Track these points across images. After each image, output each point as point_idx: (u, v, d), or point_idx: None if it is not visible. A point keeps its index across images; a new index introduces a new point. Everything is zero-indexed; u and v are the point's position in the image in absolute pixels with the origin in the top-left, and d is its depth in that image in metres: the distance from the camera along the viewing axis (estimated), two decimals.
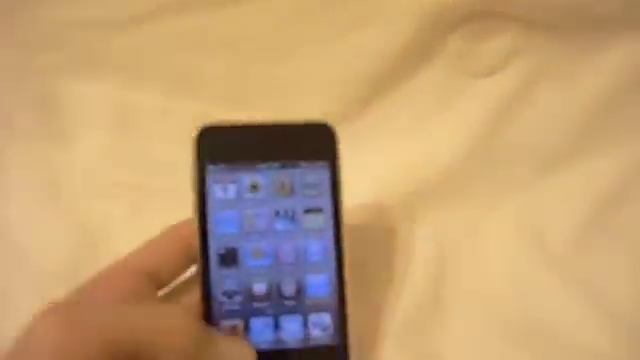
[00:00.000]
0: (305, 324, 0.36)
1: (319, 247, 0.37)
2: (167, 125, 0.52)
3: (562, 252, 0.49)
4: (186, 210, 0.42)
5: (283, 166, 0.37)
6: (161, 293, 0.37)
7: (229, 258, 0.36)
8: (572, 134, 0.51)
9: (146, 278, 0.35)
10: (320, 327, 0.36)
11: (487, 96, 0.51)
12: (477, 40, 0.50)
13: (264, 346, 0.35)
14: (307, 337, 0.36)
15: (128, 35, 0.51)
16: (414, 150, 0.52)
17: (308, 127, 0.38)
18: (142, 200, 0.50)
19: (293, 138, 0.38)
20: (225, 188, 0.36)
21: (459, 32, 0.50)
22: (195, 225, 0.36)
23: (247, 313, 0.36)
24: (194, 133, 0.37)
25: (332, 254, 0.37)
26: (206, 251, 0.35)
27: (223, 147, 0.37)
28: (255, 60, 0.51)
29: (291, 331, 0.36)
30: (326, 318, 0.36)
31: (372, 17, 0.49)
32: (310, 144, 0.38)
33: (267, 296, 0.36)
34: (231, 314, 0.35)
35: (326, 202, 0.37)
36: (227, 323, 0.35)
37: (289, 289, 0.36)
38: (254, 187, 0.37)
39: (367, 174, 0.51)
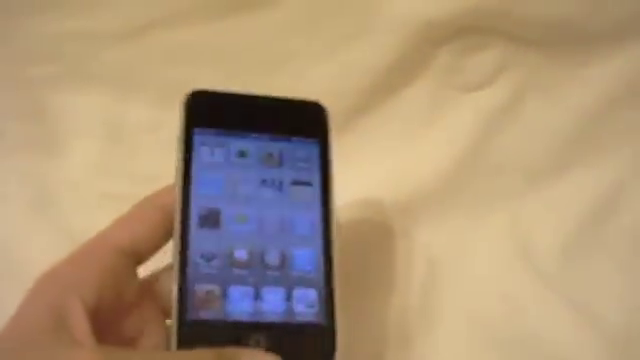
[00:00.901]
0: (288, 298, 0.33)
1: (306, 220, 0.35)
2: (157, 138, 0.52)
3: (550, 264, 0.49)
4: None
5: (272, 138, 0.36)
6: (142, 271, 0.35)
7: (210, 219, 0.34)
8: (559, 147, 0.52)
9: (123, 255, 0.34)
10: (305, 303, 0.33)
11: (475, 110, 0.52)
12: (465, 55, 0.51)
13: (242, 317, 0.32)
14: (290, 312, 0.33)
15: (120, 48, 0.51)
16: (403, 163, 0.52)
17: (300, 104, 0.38)
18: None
19: (284, 113, 0.37)
20: (211, 151, 0.35)
21: (448, 47, 0.51)
22: (176, 185, 0.34)
23: (225, 279, 0.33)
24: (184, 95, 0.36)
25: (320, 229, 0.35)
26: (186, 210, 0.33)
27: (213, 112, 0.36)
28: (244, 74, 0.51)
29: (273, 303, 0.33)
30: (312, 294, 0.34)
31: (362, 32, 0.50)
32: (301, 121, 0.37)
33: (248, 263, 0.33)
34: (208, 278, 0.33)
35: (315, 177, 0.36)
36: (202, 287, 0.32)
37: (272, 259, 0.34)
38: (241, 153, 0.36)
39: (356, 187, 0.50)
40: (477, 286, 0.48)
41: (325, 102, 0.42)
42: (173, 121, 0.50)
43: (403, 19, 0.49)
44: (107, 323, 0.32)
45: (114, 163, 0.52)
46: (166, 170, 0.48)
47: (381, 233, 0.50)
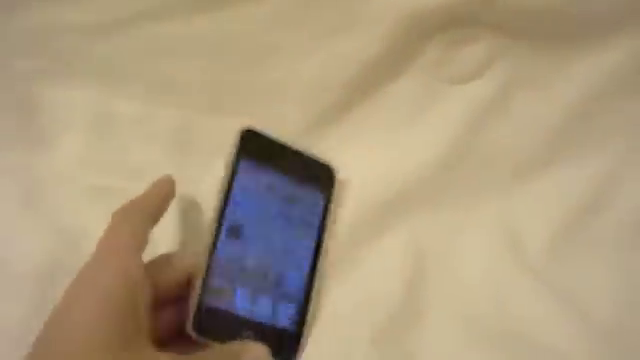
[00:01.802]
0: (274, 308, 0.42)
1: (302, 250, 0.44)
2: (146, 131, 0.52)
3: (538, 258, 0.49)
4: (164, 216, 0.44)
5: (295, 182, 0.46)
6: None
7: (236, 232, 0.42)
8: (548, 140, 0.52)
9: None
10: (286, 314, 0.42)
11: (464, 103, 0.52)
12: (454, 47, 0.51)
13: (242, 312, 0.41)
14: (274, 318, 0.42)
15: (109, 40, 0.51)
16: (390, 156, 0.52)
17: (319, 161, 0.48)
18: (117, 204, 0.47)
19: (307, 165, 0.47)
20: (249, 179, 0.44)
21: (436, 39, 0.51)
22: (218, 200, 0.42)
23: (234, 282, 0.41)
24: (240, 129, 0.44)
25: (310, 260, 0.44)
26: (221, 221, 0.42)
27: (258, 149, 0.45)
28: (234, 66, 0.51)
29: (263, 309, 0.42)
30: (292, 308, 0.43)
31: (350, 24, 0.50)
32: (317, 174, 0.47)
33: (253, 273, 0.42)
34: (223, 278, 0.41)
35: (316, 220, 0.46)
36: (217, 284, 0.41)
37: (271, 275, 0.43)
38: (270, 187, 0.45)
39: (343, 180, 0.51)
40: (465, 279, 0.48)
41: (311, 95, 0.50)
42: (160, 114, 0.52)
43: (391, 11, 0.48)
44: None
45: (102, 156, 0.52)
46: (153, 163, 0.51)
47: (367, 227, 0.50)
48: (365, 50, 0.50)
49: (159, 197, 0.42)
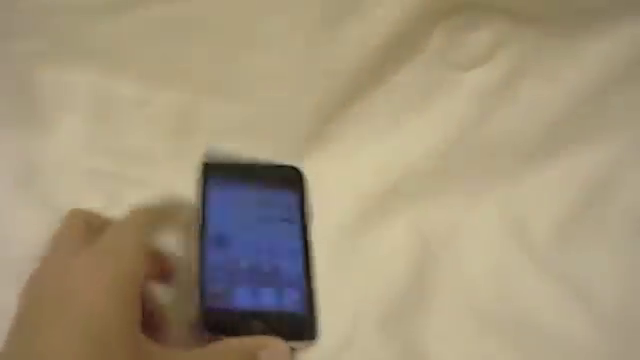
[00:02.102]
0: (280, 296, 0.43)
1: (291, 243, 0.46)
2: (147, 114, 0.51)
3: (545, 245, 0.49)
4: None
5: (266, 190, 0.49)
6: None
7: (221, 241, 0.45)
8: (555, 127, 0.51)
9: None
10: (292, 299, 0.43)
11: (470, 89, 0.51)
12: (460, 34, 0.50)
13: (245, 308, 0.42)
14: (281, 306, 0.43)
15: (110, 22, 0.50)
16: (395, 142, 0.52)
17: (284, 167, 0.51)
18: (119, 190, 0.49)
19: (273, 173, 0.50)
20: (221, 199, 0.48)
21: (443, 25, 0.50)
22: (197, 221, 0.46)
23: (232, 283, 0.43)
24: (201, 161, 0.48)
25: (301, 249, 0.46)
26: (204, 235, 0.45)
27: (221, 173, 0.49)
28: (232, 51, 0.50)
29: (268, 299, 0.43)
30: (297, 293, 0.43)
31: (354, 9, 0.49)
32: (284, 178, 0.50)
33: (249, 273, 0.44)
34: (220, 282, 0.43)
35: (297, 217, 0.48)
36: (215, 288, 0.43)
37: (266, 269, 0.44)
38: (244, 199, 0.48)
39: (349, 166, 0.51)
40: (470, 266, 0.48)
41: (315, 81, 0.50)
42: (161, 97, 0.51)
43: None
44: None
45: (100, 140, 0.51)
46: (155, 147, 0.51)
47: (371, 213, 0.50)
48: (371, 35, 0.49)
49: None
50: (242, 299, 0.43)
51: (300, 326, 0.42)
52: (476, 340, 0.45)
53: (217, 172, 0.49)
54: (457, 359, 0.44)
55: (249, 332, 0.41)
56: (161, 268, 0.43)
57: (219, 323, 0.41)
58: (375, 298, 0.46)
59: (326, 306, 0.44)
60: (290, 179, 0.50)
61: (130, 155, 0.51)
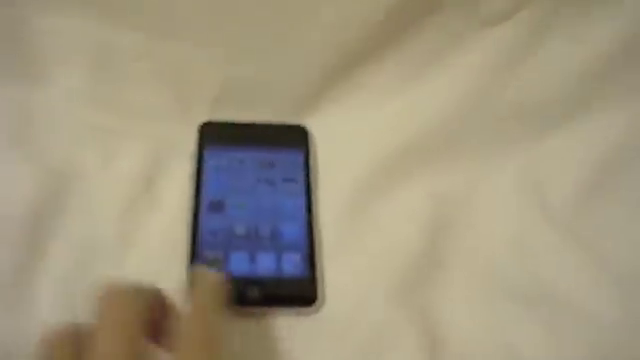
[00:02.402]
0: (278, 260, 0.43)
1: (293, 205, 0.46)
2: (147, 67, 0.49)
3: (562, 211, 0.47)
4: (162, 158, 0.47)
5: (267, 150, 0.48)
6: None
7: (216, 206, 0.45)
8: (577, 88, 0.49)
9: None
10: (291, 263, 0.43)
11: (489, 47, 0.49)
12: None
13: (241, 274, 0.42)
14: (279, 270, 0.43)
15: None
16: (412, 101, 0.50)
17: (287, 127, 0.50)
18: (118, 146, 0.47)
19: (276, 133, 0.49)
20: (218, 161, 0.47)
21: None
22: (191, 185, 0.45)
23: (228, 248, 0.43)
24: (199, 125, 0.48)
25: (303, 211, 0.45)
26: (198, 200, 0.45)
27: (219, 134, 0.48)
28: (238, 15, 0.48)
29: (265, 264, 0.43)
30: (297, 257, 0.43)
31: None
32: (288, 138, 0.49)
33: (246, 237, 0.44)
34: (214, 247, 0.43)
35: (301, 177, 0.47)
36: (210, 253, 0.43)
37: (265, 233, 0.44)
38: (243, 161, 0.47)
39: (362, 126, 0.50)
40: (487, 233, 0.46)
41: (329, 37, 0.48)
42: (164, 50, 0.49)
43: None
44: None
45: (100, 93, 0.49)
46: (154, 101, 0.49)
47: (384, 175, 0.48)
48: None
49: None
50: (237, 265, 0.43)
51: (300, 291, 0.42)
52: (493, 308, 0.43)
53: (216, 133, 0.48)
54: (473, 328, 0.42)
55: (245, 299, 0.41)
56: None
57: None
58: (388, 263, 0.44)
59: (336, 270, 0.44)
60: (295, 138, 0.49)
61: (129, 109, 0.49)
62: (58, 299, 0.41)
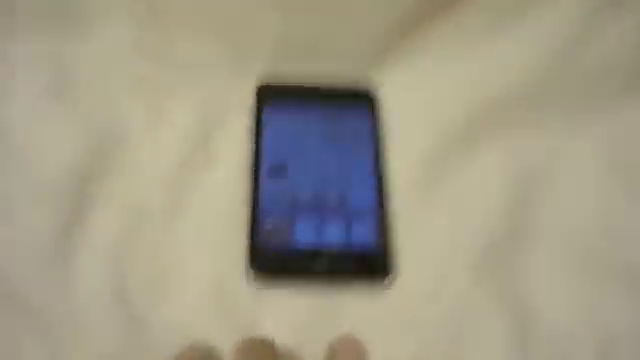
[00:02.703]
0: (348, 230, 0.40)
1: (362, 170, 0.43)
2: (199, 16, 0.46)
3: None
4: (216, 115, 0.44)
5: (331, 114, 0.45)
6: None
7: (278, 171, 0.42)
8: None
9: None
10: (362, 234, 0.40)
11: (569, 6, 0.46)
12: None
13: (307, 246, 0.40)
14: (349, 241, 0.40)
15: None
16: (486, 63, 0.46)
17: (352, 89, 0.46)
18: (167, 101, 0.44)
19: (340, 96, 0.46)
20: (279, 125, 0.44)
21: None
22: (250, 148, 0.43)
23: (292, 216, 0.40)
24: (256, 86, 0.45)
25: (373, 176, 0.42)
26: (258, 164, 0.42)
27: (279, 97, 0.45)
28: None
29: (333, 234, 0.40)
30: (367, 226, 0.40)
31: None
32: (353, 100, 0.46)
33: (312, 203, 0.41)
34: (277, 215, 0.40)
35: (368, 142, 0.44)
36: (273, 222, 0.40)
37: (332, 200, 0.41)
38: (306, 124, 0.44)
39: (432, 88, 0.46)
40: (571, 206, 0.43)
41: None
42: (218, 2, 0.45)
43: None
44: None
45: (149, 45, 0.45)
46: (208, 54, 0.46)
47: (457, 143, 0.45)
48: None
49: None
50: (303, 235, 0.40)
51: (371, 263, 0.40)
52: (582, 285, 0.40)
53: (275, 95, 0.45)
54: (561, 306, 0.39)
55: (311, 272, 0.39)
56: None
57: (275, 264, 0.39)
58: (467, 238, 0.41)
59: (409, 241, 0.41)
60: (359, 101, 0.46)
61: (181, 62, 0.45)
62: (102, 269, 0.39)
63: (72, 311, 0.37)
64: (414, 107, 0.45)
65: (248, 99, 0.45)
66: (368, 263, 0.39)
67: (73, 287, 0.37)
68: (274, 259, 0.39)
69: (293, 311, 0.38)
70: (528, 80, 0.46)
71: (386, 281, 0.39)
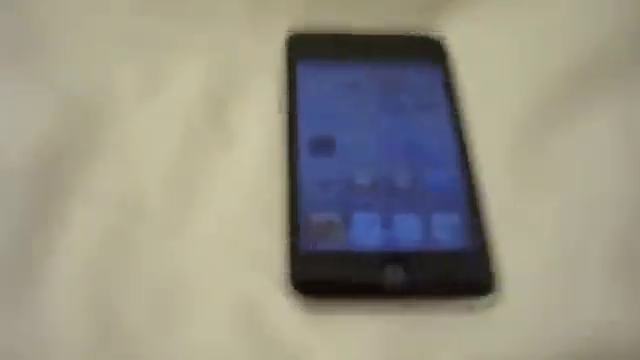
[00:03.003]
0: (427, 225, 0.33)
1: (436, 142, 0.36)
2: None
3: None
4: (232, 79, 0.38)
5: (386, 67, 0.39)
6: None
7: (322, 146, 0.36)
8: None
9: None
10: (447, 229, 0.33)
11: None
12: None
13: (371, 247, 0.33)
14: (428, 240, 0.33)
15: None
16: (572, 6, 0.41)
17: (413, 38, 0.40)
18: (168, 62, 0.38)
19: (401, 47, 0.40)
20: (318, 82, 0.38)
21: None
22: (283, 118, 0.37)
23: (347, 208, 0.34)
24: (287, 35, 0.40)
25: (454, 150, 0.36)
26: (294, 138, 0.36)
27: (318, 48, 0.40)
28: None
29: (407, 231, 0.33)
30: (453, 220, 0.33)
31: None
32: (417, 53, 0.40)
33: (373, 190, 0.34)
34: (326, 207, 0.34)
35: (441, 104, 0.38)
36: (321, 216, 0.33)
37: (402, 184, 0.35)
38: (352, 84, 0.38)
39: (516, 38, 0.40)
40: None
41: None
42: None
43: None
44: None
45: None
46: (217, 5, 0.40)
47: (557, 105, 0.38)
48: None
49: None
50: (365, 233, 0.33)
51: (464, 272, 0.32)
52: None
53: (312, 49, 0.40)
54: None
55: (382, 285, 0.31)
56: None
57: (326, 276, 0.32)
58: (587, 230, 0.34)
59: (510, 242, 0.33)
60: (424, 53, 0.40)
61: (185, 12, 0.40)
62: (76, 290, 0.31)
63: (35, 352, 0.29)
64: (491, 62, 0.40)
65: (275, 56, 0.39)
66: (461, 272, 0.32)
67: (34, 320, 0.30)
68: (325, 270, 0.32)
69: (355, 344, 0.31)
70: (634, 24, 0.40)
71: (487, 299, 0.31)
